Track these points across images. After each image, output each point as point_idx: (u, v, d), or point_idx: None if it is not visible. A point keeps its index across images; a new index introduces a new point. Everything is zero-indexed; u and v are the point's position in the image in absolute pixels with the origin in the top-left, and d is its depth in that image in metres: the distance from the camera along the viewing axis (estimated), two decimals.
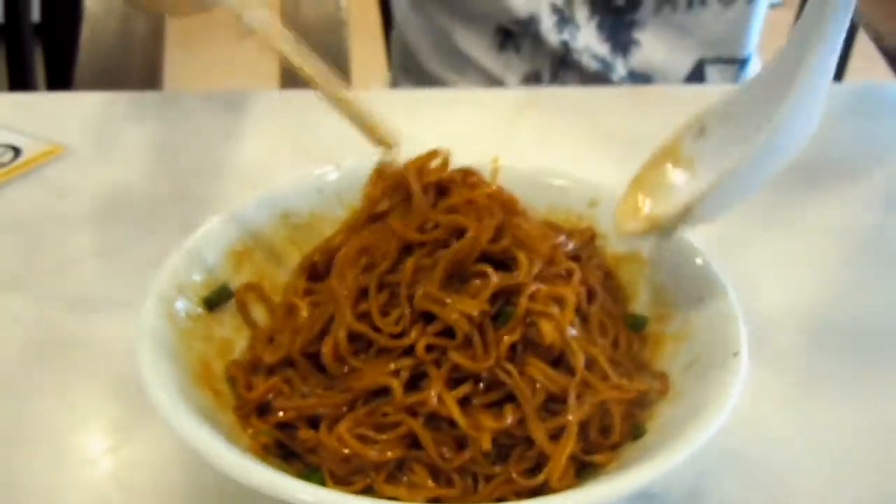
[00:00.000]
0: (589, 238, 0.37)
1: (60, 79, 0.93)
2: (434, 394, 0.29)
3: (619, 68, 0.78)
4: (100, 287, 0.44)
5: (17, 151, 0.55)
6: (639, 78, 0.79)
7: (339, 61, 0.92)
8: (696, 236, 0.36)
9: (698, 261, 0.35)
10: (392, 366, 0.30)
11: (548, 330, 0.29)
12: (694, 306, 0.33)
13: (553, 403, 0.29)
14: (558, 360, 0.30)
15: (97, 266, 0.46)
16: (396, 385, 0.29)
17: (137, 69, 0.72)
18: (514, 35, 0.79)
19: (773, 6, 1.91)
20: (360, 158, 0.47)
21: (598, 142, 0.59)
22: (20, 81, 0.94)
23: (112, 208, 0.51)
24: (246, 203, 0.37)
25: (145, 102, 0.63)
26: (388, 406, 0.29)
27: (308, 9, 0.95)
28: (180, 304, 0.33)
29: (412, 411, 0.29)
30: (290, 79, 0.82)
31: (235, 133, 0.59)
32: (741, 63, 0.82)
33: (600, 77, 0.79)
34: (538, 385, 0.29)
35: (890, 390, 0.39)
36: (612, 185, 0.40)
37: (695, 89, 0.75)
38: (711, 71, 0.81)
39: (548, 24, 0.76)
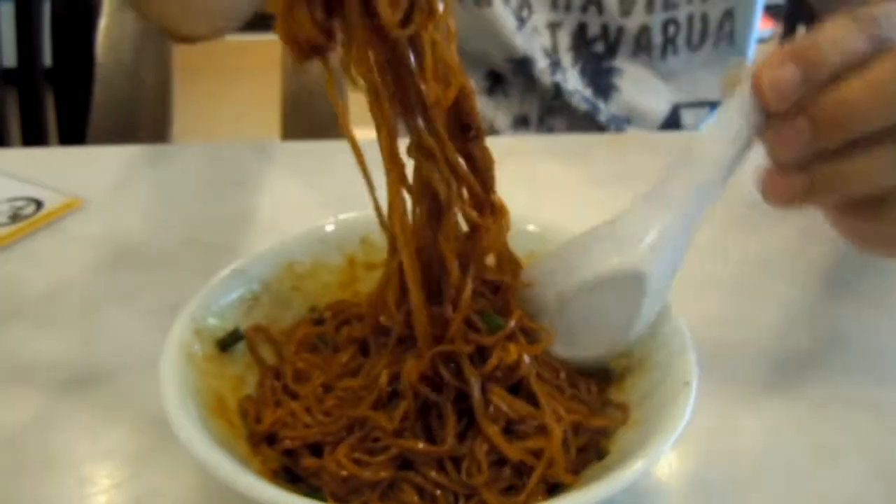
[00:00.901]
0: None
1: (71, 125, 0.99)
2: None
3: (604, 110, 0.83)
4: (119, 328, 0.49)
5: (39, 204, 0.60)
6: (621, 121, 0.84)
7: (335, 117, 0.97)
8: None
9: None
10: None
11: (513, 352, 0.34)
12: (652, 343, 0.37)
13: (520, 426, 0.34)
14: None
15: (116, 309, 0.50)
16: (385, 420, 0.34)
17: (147, 121, 0.76)
18: (503, 80, 0.84)
19: (760, 41, 1.98)
20: (356, 211, 0.52)
21: (580, 187, 0.64)
22: (33, 125, 0.99)
23: (128, 256, 0.55)
24: (255, 255, 0.42)
25: (156, 155, 0.68)
26: (380, 431, 0.34)
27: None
28: (197, 347, 0.37)
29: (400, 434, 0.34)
30: (290, 131, 0.88)
31: (241, 182, 0.64)
32: (712, 105, 0.87)
33: (588, 117, 0.84)
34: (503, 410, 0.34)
35: (820, 410, 0.43)
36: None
37: (670, 136, 0.80)
38: (686, 114, 0.86)
39: (542, 66, 0.81)
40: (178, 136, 0.80)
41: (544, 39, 0.80)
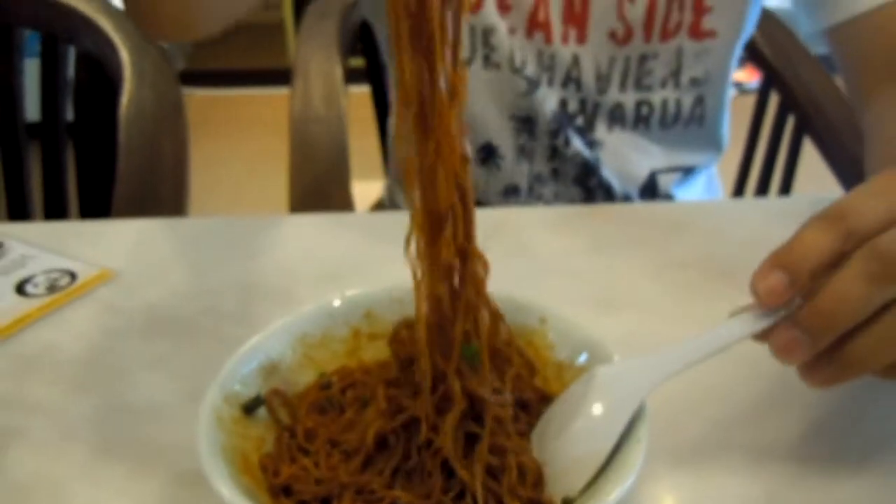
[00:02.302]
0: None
1: (90, 179, 1.05)
2: None
3: (594, 175, 0.90)
4: (151, 392, 0.55)
5: (73, 276, 0.66)
6: (605, 189, 0.91)
7: (339, 168, 1.05)
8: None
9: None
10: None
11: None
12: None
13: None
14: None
15: (147, 375, 0.56)
16: (378, 483, 0.40)
17: (167, 190, 0.83)
18: (496, 152, 0.91)
19: (743, 92, 2.06)
20: (356, 279, 0.59)
21: (565, 257, 0.70)
22: (53, 178, 1.06)
23: (155, 325, 0.61)
24: (273, 329, 0.48)
25: (178, 228, 0.75)
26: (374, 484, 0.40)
27: (316, 125, 1.07)
28: (226, 411, 0.43)
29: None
30: (298, 205, 0.94)
31: (255, 255, 0.70)
32: (685, 171, 0.94)
33: (577, 181, 0.90)
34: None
35: (777, 463, 0.49)
36: (558, 306, 0.51)
37: (649, 207, 0.86)
38: (662, 179, 0.93)
39: (545, 128, 0.87)
40: (195, 206, 0.87)
41: (547, 103, 0.87)
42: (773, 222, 0.75)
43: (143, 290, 0.65)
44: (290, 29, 3.30)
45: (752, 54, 1.14)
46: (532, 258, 0.70)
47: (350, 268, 0.68)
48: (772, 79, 1.14)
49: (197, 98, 3.12)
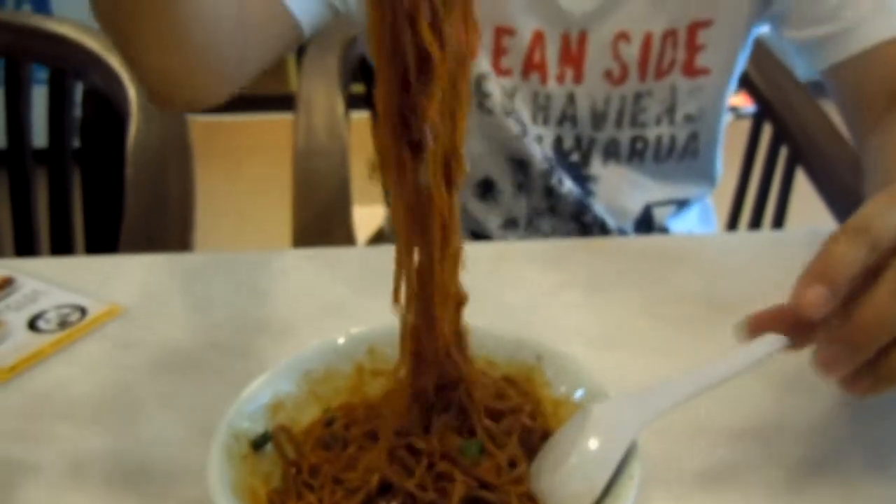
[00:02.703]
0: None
1: (96, 207, 1.07)
2: None
3: (589, 212, 0.92)
4: (160, 428, 0.57)
5: (83, 311, 0.68)
6: (598, 223, 0.93)
7: (341, 201, 1.07)
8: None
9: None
10: None
11: None
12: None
13: None
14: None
15: (156, 410, 0.58)
16: None
17: (174, 225, 0.85)
18: (494, 186, 0.93)
19: (739, 117, 2.07)
20: (357, 315, 0.60)
21: (561, 290, 0.72)
22: (59, 205, 1.08)
23: (164, 361, 0.63)
24: (279, 367, 0.50)
25: (184, 263, 0.76)
26: None
27: (319, 158, 1.10)
28: (235, 448, 0.45)
29: None
30: (300, 236, 0.96)
31: (259, 290, 0.72)
32: (679, 203, 0.96)
33: (574, 217, 0.92)
34: None
35: (773, 499, 0.51)
36: (555, 342, 0.53)
37: (643, 240, 0.88)
38: (657, 211, 0.95)
39: (539, 168, 0.89)
40: (200, 241, 0.88)
41: (539, 145, 0.89)
42: (766, 256, 0.77)
43: (151, 325, 0.67)
44: (291, 56, 3.33)
45: (746, 85, 1.16)
46: (529, 292, 0.72)
47: (352, 303, 0.70)
48: (765, 109, 1.17)
49: (198, 123, 3.13)
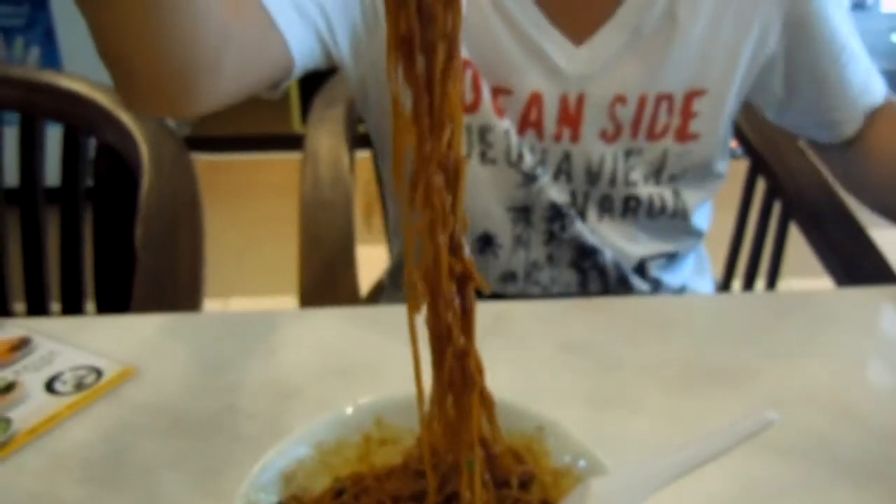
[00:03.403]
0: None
1: (106, 247, 1.10)
2: None
3: (593, 259, 0.95)
4: (174, 491, 0.59)
5: (98, 373, 0.70)
6: (599, 271, 0.96)
7: (346, 254, 1.09)
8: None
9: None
10: None
11: None
12: None
13: None
14: None
15: (170, 473, 0.60)
16: None
17: (184, 286, 0.88)
18: (493, 243, 0.96)
19: (734, 157, 2.11)
20: (367, 377, 0.63)
21: (557, 352, 0.74)
22: (70, 246, 1.11)
23: (177, 422, 0.65)
24: (291, 438, 0.52)
25: (196, 323, 0.79)
26: None
27: (324, 211, 1.12)
28: None
29: None
30: (306, 287, 0.99)
31: (269, 350, 0.74)
32: (669, 256, 0.99)
33: (573, 266, 0.95)
34: None
35: None
36: (555, 415, 0.55)
37: (637, 301, 0.91)
38: (650, 265, 0.98)
39: (540, 215, 0.92)
40: (209, 296, 0.91)
41: (542, 194, 0.92)
42: (760, 318, 0.80)
43: (164, 387, 0.69)
44: (295, 96, 3.38)
45: (739, 139, 1.19)
46: (529, 354, 0.74)
47: (360, 364, 0.72)
48: (758, 164, 1.20)
49: (203, 163, 3.17)
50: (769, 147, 1.17)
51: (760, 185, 1.21)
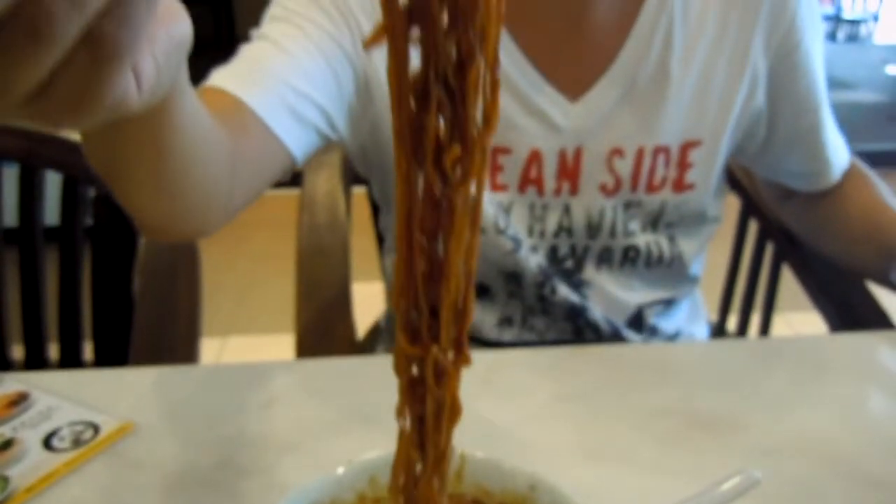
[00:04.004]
0: None
1: (104, 287, 1.11)
2: None
3: (583, 315, 0.96)
4: None
5: (96, 429, 0.71)
6: (591, 328, 0.97)
7: (342, 301, 1.10)
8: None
9: None
10: None
11: None
12: None
13: None
14: None
15: None
16: None
17: (181, 338, 0.88)
18: (490, 290, 0.97)
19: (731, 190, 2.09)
20: (364, 430, 0.63)
21: (553, 402, 0.75)
22: (69, 285, 1.12)
23: (175, 480, 0.66)
24: (286, 499, 0.53)
25: (192, 376, 0.80)
26: None
27: (321, 258, 1.14)
28: None
29: None
30: (303, 334, 1.00)
31: (264, 402, 0.75)
32: (666, 302, 1.00)
33: (568, 317, 0.96)
34: None
35: None
36: (548, 470, 0.55)
37: (630, 348, 0.92)
38: (647, 312, 0.99)
39: (531, 281, 0.93)
40: (206, 350, 0.92)
41: (534, 258, 0.93)
42: (753, 365, 0.81)
43: (161, 443, 0.70)
44: None
45: (731, 183, 1.21)
46: (522, 403, 0.75)
47: (356, 417, 0.73)
48: (750, 207, 1.21)
49: None
50: (759, 190, 1.18)
51: (753, 226, 1.23)
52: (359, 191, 1.23)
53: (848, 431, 0.72)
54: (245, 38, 0.83)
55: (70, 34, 0.30)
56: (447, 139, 0.34)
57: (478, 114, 0.34)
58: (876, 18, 6.80)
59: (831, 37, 6.49)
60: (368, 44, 0.32)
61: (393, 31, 0.31)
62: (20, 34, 0.29)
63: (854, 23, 6.69)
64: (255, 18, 0.85)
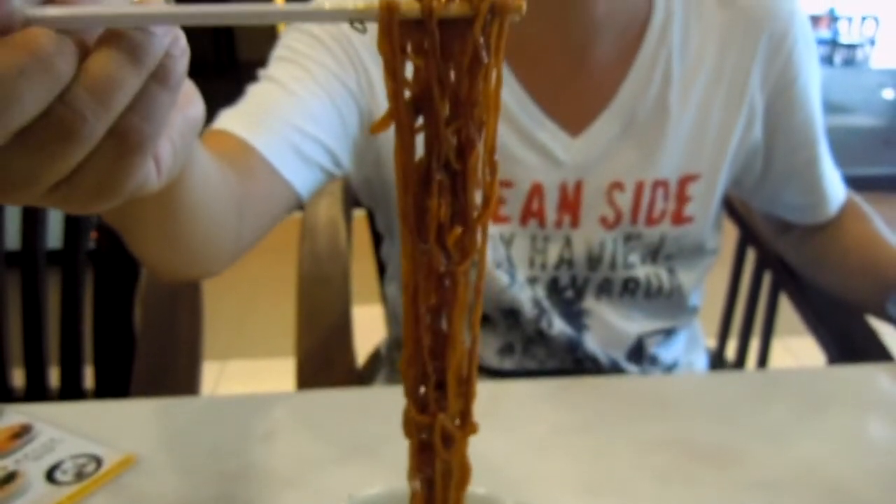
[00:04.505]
0: None
1: (106, 312, 1.11)
2: None
3: (581, 347, 0.96)
4: None
5: (98, 462, 0.71)
6: (589, 360, 0.97)
7: (343, 331, 1.11)
8: None
9: None
10: None
11: None
12: None
13: None
14: None
15: None
16: None
17: (182, 367, 0.89)
18: (490, 321, 0.97)
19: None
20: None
21: (552, 434, 0.75)
22: (70, 309, 1.12)
23: None
24: None
25: (193, 408, 0.80)
26: None
27: (322, 287, 1.14)
28: None
29: None
30: (303, 363, 1.00)
31: (265, 434, 0.75)
32: (666, 332, 1.00)
33: (568, 348, 0.96)
34: None
35: None
36: (546, 493, 0.56)
37: (629, 380, 0.92)
38: (648, 341, 1.00)
39: (529, 315, 0.94)
40: (207, 379, 0.92)
41: (529, 292, 0.94)
42: (752, 397, 0.81)
43: (163, 475, 0.70)
44: None
45: (729, 213, 1.21)
46: (521, 437, 0.75)
47: (357, 450, 0.73)
48: (747, 236, 1.22)
49: None
50: (757, 222, 1.19)
51: (751, 255, 1.23)
52: (359, 213, 1.24)
53: (848, 463, 0.72)
54: (245, 60, 0.84)
55: (98, 132, 0.31)
56: (448, 220, 0.36)
57: (477, 196, 0.35)
58: (872, 43, 6.84)
59: (828, 61, 6.53)
60: (376, 129, 0.33)
61: (399, 123, 0.33)
62: (50, 133, 0.30)
63: (851, 47, 6.74)
64: (255, 41, 0.86)
